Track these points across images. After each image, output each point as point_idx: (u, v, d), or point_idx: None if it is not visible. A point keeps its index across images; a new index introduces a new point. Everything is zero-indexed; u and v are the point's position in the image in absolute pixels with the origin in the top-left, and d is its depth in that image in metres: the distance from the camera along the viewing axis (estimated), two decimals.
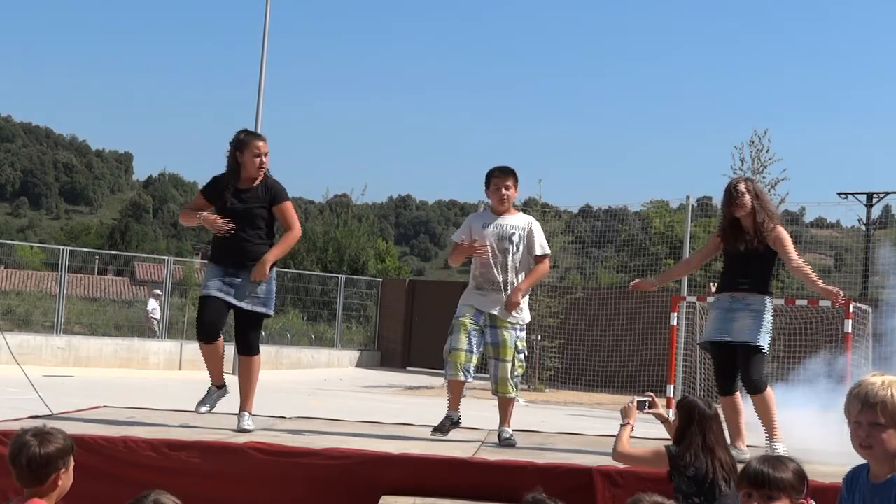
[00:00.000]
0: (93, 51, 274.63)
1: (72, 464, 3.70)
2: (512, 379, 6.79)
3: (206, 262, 7.29)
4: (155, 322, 27.02)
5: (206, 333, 6.71)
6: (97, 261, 36.94)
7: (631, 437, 5.02)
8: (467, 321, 6.75)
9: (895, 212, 29.46)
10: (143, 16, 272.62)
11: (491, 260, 6.77)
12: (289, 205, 6.86)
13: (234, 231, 6.68)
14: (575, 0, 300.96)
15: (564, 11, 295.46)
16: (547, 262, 6.95)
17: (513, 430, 6.78)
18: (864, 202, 28.82)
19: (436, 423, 6.84)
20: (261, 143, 6.75)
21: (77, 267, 30.40)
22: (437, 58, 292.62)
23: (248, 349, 6.80)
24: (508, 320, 6.74)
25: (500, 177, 6.87)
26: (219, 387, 6.93)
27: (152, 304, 27.12)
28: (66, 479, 3.67)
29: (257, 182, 6.76)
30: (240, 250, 6.68)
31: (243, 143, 6.74)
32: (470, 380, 6.87)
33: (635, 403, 5.03)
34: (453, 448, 6.19)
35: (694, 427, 4.64)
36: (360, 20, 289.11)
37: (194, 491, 4.66)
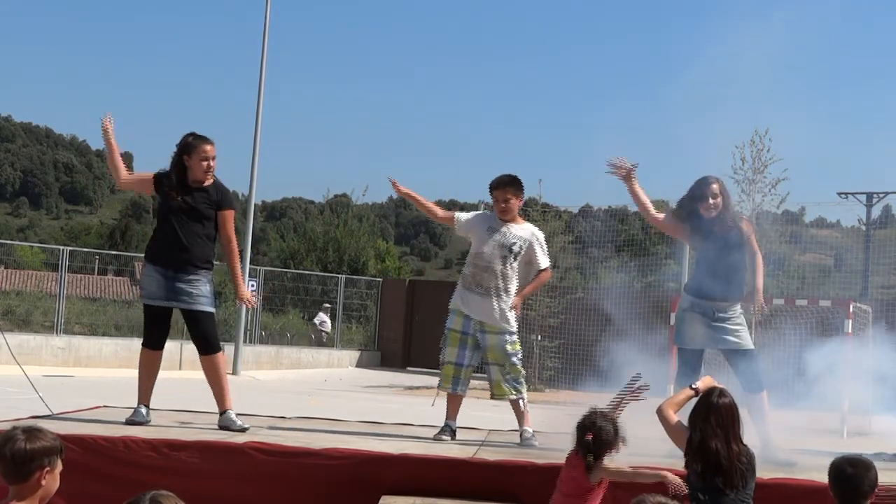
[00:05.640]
0: (93, 50, 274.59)
1: (59, 466, 3.55)
2: (506, 381, 6.85)
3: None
4: (324, 335, 28.69)
5: (153, 341, 6.75)
6: (97, 261, 36.90)
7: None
8: (457, 332, 6.85)
9: (895, 212, 29.46)
10: (143, 15, 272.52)
11: (487, 264, 6.80)
12: (233, 214, 6.78)
13: (179, 230, 6.60)
14: (575, 1, 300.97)
15: (565, 12, 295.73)
16: (548, 273, 7.08)
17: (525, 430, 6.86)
18: (864, 202, 28.82)
19: (434, 425, 6.94)
20: (208, 148, 6.67)
21: (77, 267, 30.36)
22: (437, 57, 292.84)
23: (207, 347, 6.71)
24: (497, 327, 6.81)
25: (498, 189, 6.94)
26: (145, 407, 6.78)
27: (322, 318, 28.67)
28: (50, 481, 3.51)
29: (207, 184, 6.70)
30: (184, 250, 6.59)
31: (191, 146, 6.66)
32: (461, 391, 6.94)
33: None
34: (453, 448, 6.20)
35: (693, 419, 4.58)
36: (361, 20, 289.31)
37: (194, 491, 4.65)
